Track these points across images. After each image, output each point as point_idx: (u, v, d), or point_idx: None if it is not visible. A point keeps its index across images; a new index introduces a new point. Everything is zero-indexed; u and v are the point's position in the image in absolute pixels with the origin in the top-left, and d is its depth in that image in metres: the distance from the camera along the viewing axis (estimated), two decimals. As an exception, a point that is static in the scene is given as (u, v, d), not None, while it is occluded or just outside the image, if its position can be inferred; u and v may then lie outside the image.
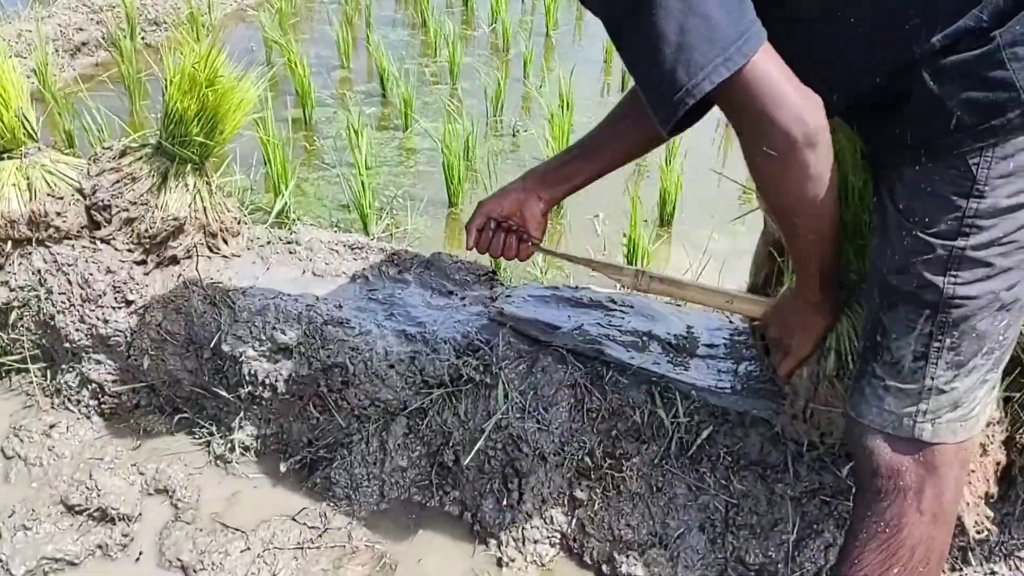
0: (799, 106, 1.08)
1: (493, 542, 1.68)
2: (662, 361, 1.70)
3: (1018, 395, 1.42)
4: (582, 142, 1.55)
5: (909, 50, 1.11)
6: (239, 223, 2.09)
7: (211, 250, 2.01)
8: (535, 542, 1.66)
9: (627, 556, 1.60)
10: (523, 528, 1.66)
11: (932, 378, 1.20)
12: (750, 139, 1.13)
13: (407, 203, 2.81)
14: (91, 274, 1.92)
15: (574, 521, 1.66)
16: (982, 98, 1.09)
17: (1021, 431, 1.42)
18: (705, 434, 1.62)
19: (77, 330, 1.91)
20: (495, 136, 3.34)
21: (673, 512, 1.63)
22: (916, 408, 1.22)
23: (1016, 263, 1.15)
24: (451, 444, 1.74)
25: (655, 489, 1.64)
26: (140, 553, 1.63)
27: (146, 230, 1.90)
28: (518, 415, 1.68)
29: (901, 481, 1.24)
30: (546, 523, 1.67)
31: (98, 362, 1.92)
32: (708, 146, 3.47)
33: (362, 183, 2.47)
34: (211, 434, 1.89)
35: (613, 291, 1.94)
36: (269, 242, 2.13)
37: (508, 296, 1.89)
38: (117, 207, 1.92)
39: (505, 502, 1.68)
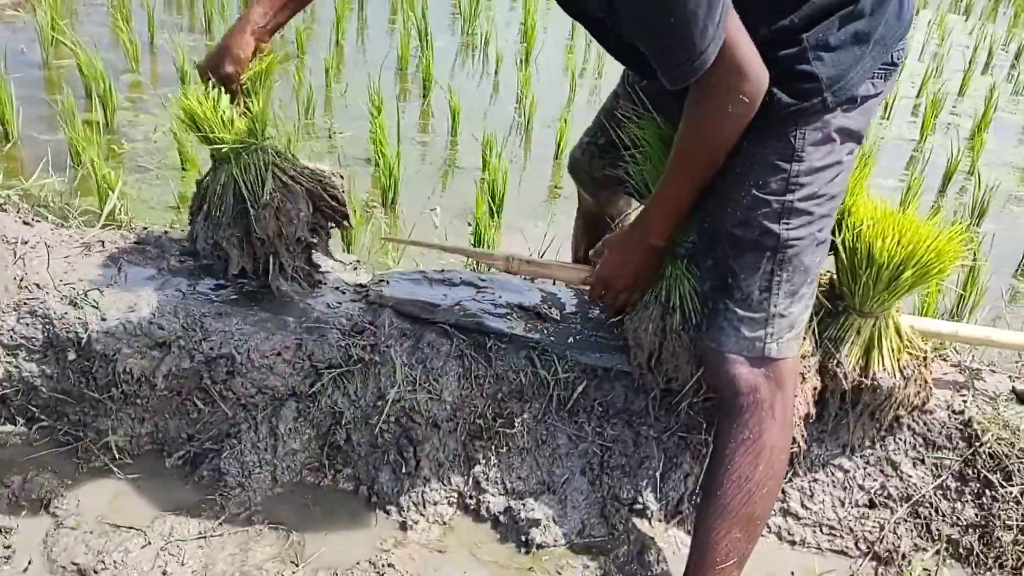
0: (761, 64, 1.34)
1: (394, 509, 1.76)
2: (535, 328, 1.88)
3: (826, 331, 1.76)
4: None
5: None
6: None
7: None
8: (435, 504, 1.77)
9: (522, 504, 1.77)
10: (423, 492, 1.77)
11: (775, 306, 1.50)
12: (725, 87, 1.34)
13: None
14: (-78, 280, 1.76)
15: (471, 480, 1.80)
16: (796, 87, 1.39)
17: (830, 360, 1.76)
18: (580, 389, 1.82)
19: (-91, 342, 1.75)
20: (312, 139, 3.37)
21: (558, 461, 1.82)
22: (764, 331, 1.51)
23: (828, 210, 1.49)
24: (343, 423, 1.81)
25: (540, 442, 1.82)
26: (29, 562, 1.54)
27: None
28: (410, 388, 1.79)
29: (759, 395, 1.52)
30: (444, 485, 1.78)
31: (-63, 375, 1.77)
32: (517, 147, 3.73)
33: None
34: (77, 439, 1.80)
35: (469, 271, 2.09)
36: (112, 243, 2.06)
37: (382, 280, 1.98)
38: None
39: (404, 470, 1.77)
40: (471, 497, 1.80)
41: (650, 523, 1.80)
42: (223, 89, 1.72)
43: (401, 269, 2.15)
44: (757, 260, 1.50)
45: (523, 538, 1.74)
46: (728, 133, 1.41)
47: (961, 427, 1.87)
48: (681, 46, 1.28)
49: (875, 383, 1.74)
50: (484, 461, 1.79)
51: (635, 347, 1.75)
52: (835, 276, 1.76)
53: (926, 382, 1.81)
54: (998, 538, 1.82)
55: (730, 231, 1.51)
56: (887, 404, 1.78)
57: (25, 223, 2.08)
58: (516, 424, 1.79)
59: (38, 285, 1.84)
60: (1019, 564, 1.81)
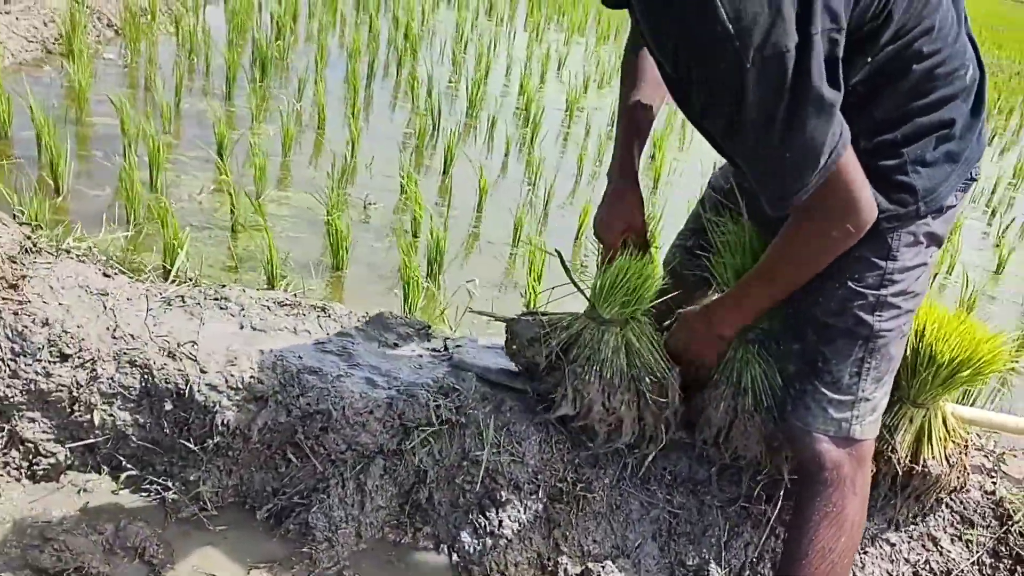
0: (871, 199, 1.43)
1: (476, 569, 1.82)
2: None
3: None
4: (624, 134, 1.81)
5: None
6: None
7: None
8: (516, 564, 1.84)
9: (600, 567, 1.84)
10: (504, 552, 1.84)
11: (863, 391, 1.63)
12: (831, 214, 1.43)
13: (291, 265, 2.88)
14: (25, 327, 1.81)
15: (551, 542, 1.87)
16: (894, 194, 1.54)
17: (884, 445, 1.88)
18: (650, 457, 1.93)
19: (8, 386, 1.78)
20: (351, 207, 3.50)
21: (631, 526, 1.91)
22: (851, 414, 1.63)
23: (913, 306, 1.64)
24: (427, 482, 1.88)
25: (615, 507, 1.91)
26: (138, 609, 1.56)
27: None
28: (494, 451, 1.87)
29: (842, 471, 1.64)
30: (525, 546, 1.86)
31: (32, 420, 1.80)
32: (536, 225, 3.91)
33: (268, 243, 2.51)
34: (165, 488, 1.83)
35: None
36: (192, 298, 2.13)
37: (459, 347, 2.08)
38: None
39: (487, 530, 1.84)
40: (549, 559, 1.87)
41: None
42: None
43: (471, 336, 2.25)
44: (850, 347, 1.62)
45: (599, 600, 1.82)
46: (823, 259, 1.51)
47: (993, 507, 2.03)
48: (794, 177, 1.34)
49: (925, 470, 1.88)
50: (563, 524, 1.88)
51: (703, 423, 1.87)
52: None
53: (966, 467, 1.96)
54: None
55: (823, 319, 1.62)
56: (934, 488, 1.92)
57: (105, 275, 2.14)
58: (595, 488, 1.88)
59: (133, 336, 1.89)
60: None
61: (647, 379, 1.77)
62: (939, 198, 1.54)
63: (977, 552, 2.00)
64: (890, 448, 1.87)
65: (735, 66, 1.22)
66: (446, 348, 2.13)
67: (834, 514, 1.63)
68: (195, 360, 1.85)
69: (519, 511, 1.87)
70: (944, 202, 1.56)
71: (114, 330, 1.90)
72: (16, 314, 1.83)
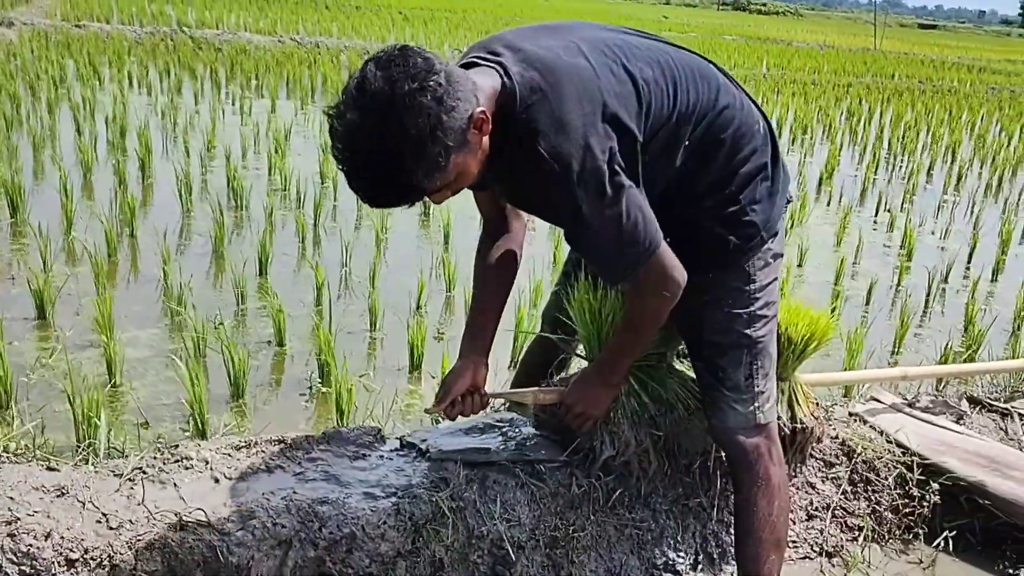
0: (681, 269, 1.89)
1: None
2: (552, 449, 2.34)
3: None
4: (475, 313, 2.21)
5: (694, 210, 2.00)
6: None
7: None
8: (537, 613, 2.13)
9: (604, 589, 2.20)
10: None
11: (757, 387, 2.10)
12: (653, 288, 1.89)
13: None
14: (29, 546, 1.77)
15: (559, 583, 2.19)
16: (743, 232, 2.04)
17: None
18: (612, 488, 2.31)
19: (30, 609, 1.73)
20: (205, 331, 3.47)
21: (612, 547, 2.28)
22: (754, 406, 2.10)
23: (776, 310, 2.14)
24: (444, 568, 2.10)
25: (598, 537, 2.27)
26: None
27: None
28: (493, 522, 2.15)
29: (760, 450, 2.10)
30: (539, 595, 2.15)
31: (62, 635, 1.76)
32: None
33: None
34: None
35: (482, 416, 2.49)
36: (151, 467, 2.14)
37: (424, 440, 2.31)
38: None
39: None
40: (560, 599, 2.18)
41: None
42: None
43: (430, 427, 2.47)
44: (739, 357, 2.08)
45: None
46: (662, 315, 1.96)
47: (841, 447, 2.68)
48: (623, 261, 1.82)
49: (803, 426, 2.46)
50: (565, 565, 2.20)
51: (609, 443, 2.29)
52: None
53: (820, 420, 2.58)
54: (885, 516, 2.62)
55: (712, 339, 2.08)
56: (810, 439, 2.51)
57: (50, 468, 2.08)
58: (580, 526, 2.23)
59: (130, 521, 1.90)
60: (902, 529, 2.62)
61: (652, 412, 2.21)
62: (773, 224, 2.04)
63: (840, 485, 2.63)
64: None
65: (567, 189, 1.71)
66: (408, 445, 2.34)
67: (763, 484, 2.10)
68: (210, 525, 1.91)
69: (528, 567, 2.16)
70: (777, 227, 2.06)
71: (106, 521, 1.90)
72: (12, 536, 1.78)
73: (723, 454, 2.27)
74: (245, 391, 2.92)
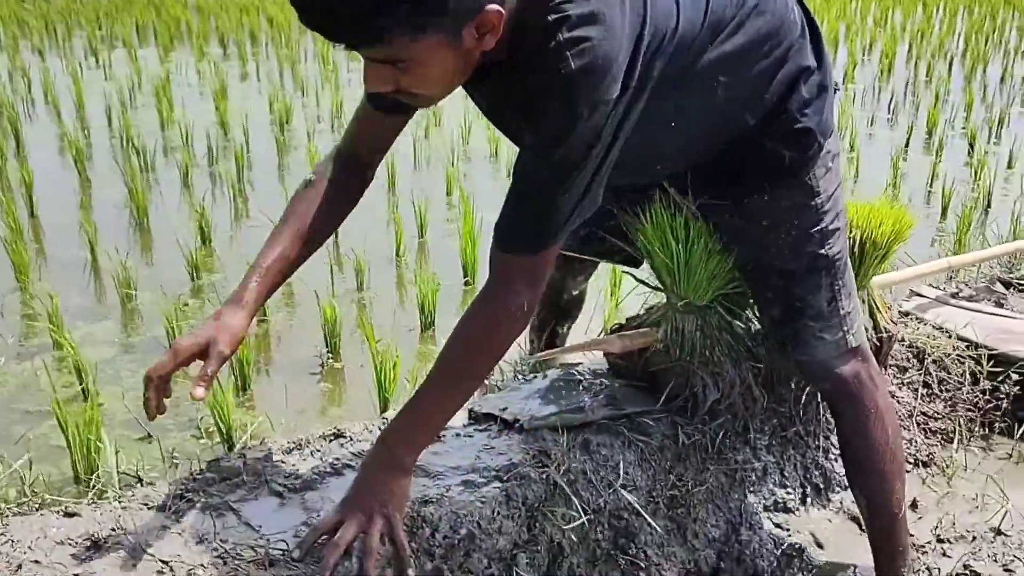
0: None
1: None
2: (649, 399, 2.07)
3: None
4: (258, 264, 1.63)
5: (738, 129, 1.71)
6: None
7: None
8: (670, 579, 1.90)
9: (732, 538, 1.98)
10: (658, 576, 1.87)
11: (842, 309, 1.85)
12: (525, 281, 1.49)
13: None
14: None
15: (689, 546, 1.94)
16: (799, 143, 1.74)
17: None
18: (719, 436, 2.08)
19: None
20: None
21: (725, 494, 2.05)
22: (842, 331, 1.85)
23: (845, 219, 1.88)
24: (564, 553, 1.82)
25: (711, 489, 2.03)
26: None
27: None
28: (609, 489, 1.87)
29: (860, 377, 1.86)
30: (672, 562, 1.91)
31: None
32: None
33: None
34: None
35: (553, 374, 2.18)
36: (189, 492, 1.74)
37: (505, 408, 1.99)
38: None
39: (634, 563, 1.86)
40: (692, 562, 1.95)
41: (795, 513, 2.13)
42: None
43: (501, 394, 2.14)
44: (817, 281, 1.81)
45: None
46: (504, 342, 1.51)
47: (913, 351, 2.53)
48: (554, 222, 1.45)
49: (889, 334, 2.28)
50: (689, 524, 1.96)
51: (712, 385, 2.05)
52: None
53: (895, 325, 2.42)
54: (966, 415, 2.51)
55: (783, 267, 1.81)
56: (892, 346, 2.33)
57: (68, 514, 1.66)
58: (691, 479, 1.99)
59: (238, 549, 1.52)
60: (985, 427, 2.52)
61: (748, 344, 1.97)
62: (828, 125, 1.76)
63: (917, 390, 2.50)
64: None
65: (569, 109, 1.36)
66: (482, 417, 2.01)
67: (872, 413, 1.86)
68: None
69: (652, 534, 1.90)
70: (832, 125, 1.78)
71: (172, 572, 1.51)
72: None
73: (819, 390, 2.05)
74: (251, 381, 2.48)
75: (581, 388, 2.09)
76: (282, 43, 9.61)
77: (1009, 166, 5.57)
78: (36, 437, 2.21)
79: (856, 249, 2.15)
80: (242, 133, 5.20)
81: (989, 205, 4.54)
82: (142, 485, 1.82)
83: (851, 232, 2.13)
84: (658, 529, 1.91)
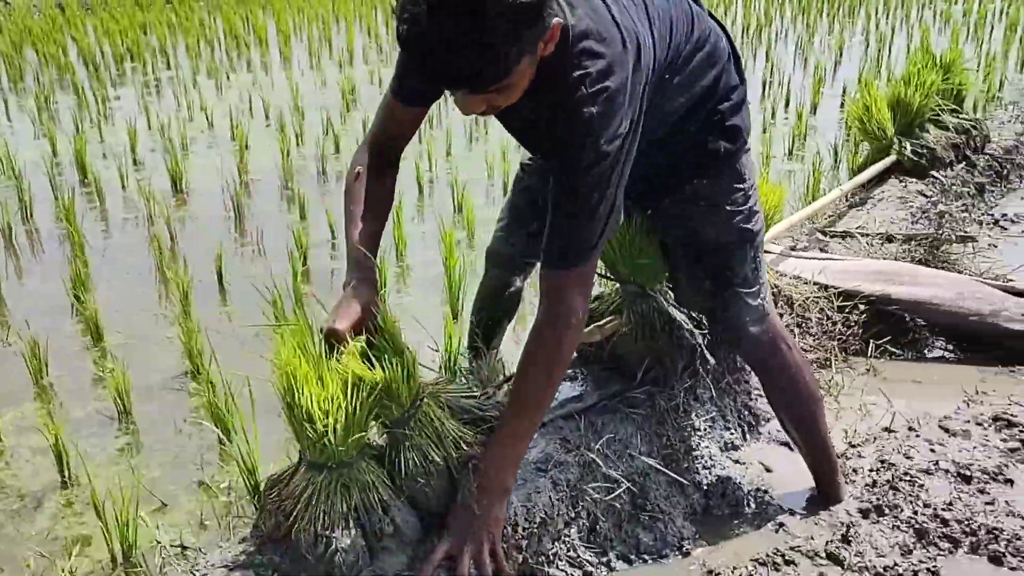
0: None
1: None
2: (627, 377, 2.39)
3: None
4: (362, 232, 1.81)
5: (683, 136, 2.06)
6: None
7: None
8: (683, 527, 2.23)
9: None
10: (669, 526, 2.20)
11: (761, 278, 2.23)
12: (579, 290, 1.76)
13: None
14: None
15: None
16: (731, 136, 2.13)
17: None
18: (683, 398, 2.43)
19: None
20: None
21: (705, 443, 2.42)
22: (760, 298, 2.22)
23: (760, 205, 2.29)
24: (599, 524, 2.08)
25: (702, 428, 2.39)
26: None
27: None
28: (622, 460, 2.16)
29: (776, 339, 2.21)
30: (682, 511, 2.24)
31: None
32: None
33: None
34: None
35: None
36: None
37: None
38: None
39: (654, 518, 2.17)
40: (688, 507, 2.29)
41: (742, 449, 2.56)
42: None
43: None
44: (743, 252, 2.15)
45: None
46: (571, 346, 1.78)
47: (784, 299, 3.06)
48: (586, 234, 1.71)
49: (777, 288, 2.77)
50: (684, 475, 2.30)
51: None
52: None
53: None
54: (828, 345, 3.08)
55: (719, 239, 2.14)
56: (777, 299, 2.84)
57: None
58: (684, 437, 2.34)
59: None
60: (845, 352, 3.10)
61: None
62: (748, 125, 2.15)
63: (793, 331, 3.02)
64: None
65: (594, 145, 1.65)
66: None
67: (791, 366, 2.22)
68: None
69: (658, 489, 2.22)
70: (749, 126, 2.16)
71: None
72: None
73: (743, 352, 2.38)
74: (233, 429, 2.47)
75: (567, 379, 2.35)
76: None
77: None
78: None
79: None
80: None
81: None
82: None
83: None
84: (660, 483, 2.24)
